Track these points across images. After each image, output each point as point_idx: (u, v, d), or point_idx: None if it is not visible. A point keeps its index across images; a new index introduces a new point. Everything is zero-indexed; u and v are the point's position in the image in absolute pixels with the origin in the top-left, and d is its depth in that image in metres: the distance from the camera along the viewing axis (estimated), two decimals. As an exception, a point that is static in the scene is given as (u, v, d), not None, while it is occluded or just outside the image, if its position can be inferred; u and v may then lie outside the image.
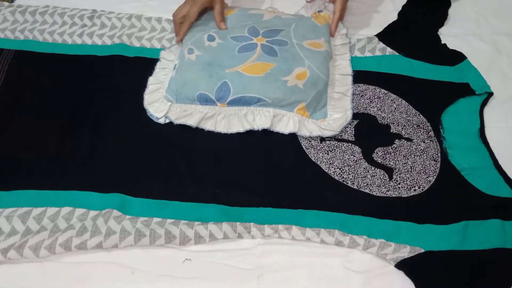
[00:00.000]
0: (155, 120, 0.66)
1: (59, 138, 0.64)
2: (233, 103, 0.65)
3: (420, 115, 0.69)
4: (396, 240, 0.56)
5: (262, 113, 0.65)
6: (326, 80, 0.68)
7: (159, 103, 0.67)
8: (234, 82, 0.65)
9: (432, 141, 0.66)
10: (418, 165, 0.63)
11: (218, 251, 0.56)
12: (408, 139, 0.66)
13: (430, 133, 0.67)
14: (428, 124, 0.67)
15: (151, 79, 0.70)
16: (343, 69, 0.73)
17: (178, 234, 0.55)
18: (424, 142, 0.65)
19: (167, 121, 0.66)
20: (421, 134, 0.66)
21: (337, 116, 0.67)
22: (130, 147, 0.64)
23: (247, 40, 0.70)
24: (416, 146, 0.65)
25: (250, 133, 0.65)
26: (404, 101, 0.70)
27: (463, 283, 0.53)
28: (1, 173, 0.60)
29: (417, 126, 0.67)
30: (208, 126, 0.65)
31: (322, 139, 0.65)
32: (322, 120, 0.66)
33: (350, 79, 0.72)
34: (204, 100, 0.65)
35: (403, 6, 0.84)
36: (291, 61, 0.67)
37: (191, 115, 0.65)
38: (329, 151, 0.64)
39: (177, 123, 0.65)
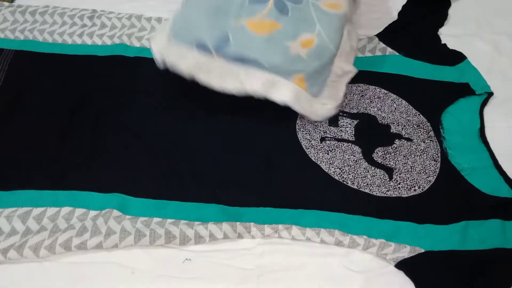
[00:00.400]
0: (156, 61, 0.62)
1: (59, 138, 0.64)
2: (229, 56, 0.60)
3: (420, 115, 0.69)
4: (396, 240, 0.56)
5: (257, 75, 0.60)
6: (334, 51, 0.62)
7: (160, 36, 0.63)
8: (235, 36, 0.60)
9: (432, 141, 0.66)
10: (418, 165, 0.63)
11: (218, 251, 0.56)
12: (408, 139, 0.66)
13: (430, 133, 0.67)
14: (428, 124, 0.68)
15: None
16: (355, 40, 0.66)
17: (178, 234, 0.55)
18: (424, 142, 0.65)
19: (164, 64, 0.62)
20: (421, 134, 0.66)
21: (325, 103, 0.63)
22: (130, 147, 0.64)
23: None
24: (416, 146, 0.65)
25: (250, 133, 0.65)
26: (404, 101, 0.70)
27: (463, 283, 0.53)
28: (1, 173, 0.60)
29: (417, 126, 0.67)
30: (201, 77, 0.61)
31: (322, 139, 0.65)
32: (315, 101, 0.62)
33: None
34: (202, 46, 0.61)
35: (403, 6, 0.84)
36: (301, 23, 0.61)
37: (185, 59, 0.61)
38: (329, 151, 0.64)
39: (171, 70, 0.62)
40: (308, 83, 0.61)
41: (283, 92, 0.60)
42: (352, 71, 0.66)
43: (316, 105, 0.62)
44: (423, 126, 0.67)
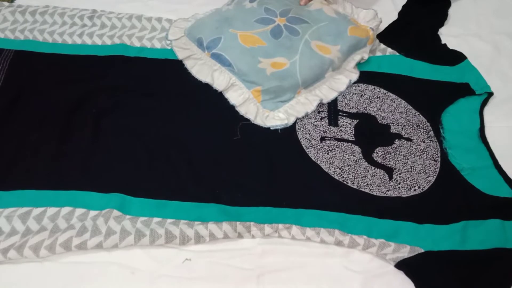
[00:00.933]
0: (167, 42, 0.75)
1: (59, 138, 0.64)
2: (214, 56, 0.71)
3: (420, 115, 0.69)
4: (396, 240, 0.56)
5: (226, 76, 0.69)
6: (298, 83, 0.68)
7: (177, 29, 0.77)
8: (225, 41, 0.70)
9: (432, 141, 0.66)
10: (418, 165, 0.63)
11: (218, 251, 0.56)
12: (408, 139, 0.66)
13: (430, 133, 0.67)
14: (428, 124, 0.68)
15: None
16: (334, 85, 0.71)
17: (178, 233, 0.55)
18: (424, 142, 0.65)
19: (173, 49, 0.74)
20: (421, 134, 0.66)
21: (278, 116, 0.67)
22: (130, 147, 0.64)
23: (271, 16, 0.73)
24: (416, 146, 0.65)
25: (251, 132, 0.65)
26: (404, 101, 0.70)
27: (463, 283, 0.53)
28: (1, 173, 0.60)
29: (417, 126, 0.67)
30: (187, 64, 0.72)
31: (322, 139, 0.65)
32: (267, 111, 0.68)
33: (329, 98, 0.70)
34: (200, 43, 0.73)
35: (403, 6, 0.84)
36: (283, 49, 0.69)
37: (183, 50, 0.74)
38: (329, 151, 0.64)
39: (175, 53, 0.74)
40: (263, 97, 0.68)
41: (235, 96, 0.69)
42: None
43: (265, 117, 0.67)
44: (423, 126, 0.67)
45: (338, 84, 0.71)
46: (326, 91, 0.70)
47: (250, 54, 0.68)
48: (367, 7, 0.84)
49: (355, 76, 0.72)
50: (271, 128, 0.66)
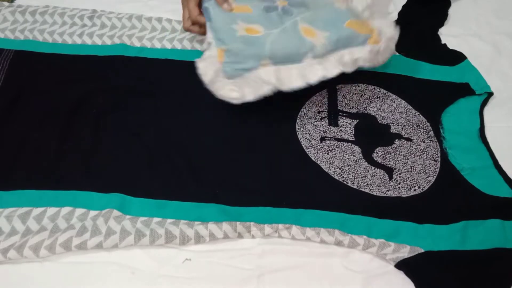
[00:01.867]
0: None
1: (59, 138, 0.64)
2: (204, 10, 0.68)
3: (420, 115, 0.69)
4: (396, 240, 0.56)
5: (209, 34, 0.66)
6: (264, 53, 0.60)
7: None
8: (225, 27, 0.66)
9: (432, 141, 0.66)
10: (418, 165, 0.63)
11: (218, 251, 0.56)
12: (408, 139, 0.66)
13: (430, 133, 0.67)
14: (428, 124, 0.68)
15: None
16: (305, 73, 0.61)
17: (178, 233, 0.55)
18: (424, 142, 0.65)
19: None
20: (421, 134, 0.66)
21: (232, 89, 0.61)
22: (130, 147, 0.64)
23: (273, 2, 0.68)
24: (416, 146, 0.65)
25: (250, 132, 0.65)
26: (404, 101, 0.70)
27: (463, 283, 0.53)
28: (1, 173, 0.60)
29: (417, 126, 0.67)
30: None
31: (322, 139, 0.65)
32: (221, 78, 0.62)
33: (291, 86, 0.61)
34: (205, 10, 0.69)
35: (403, 6, 0.84)
36: (266, 22, 0.65)
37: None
38: (329, 151, 0.64)
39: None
40: (225, 58, 0.62)
41: (205, 53, 0.64)
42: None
43: (222, 83, 0.61)
44: (423, 126, 0.67)
45: (309, 73, 0.60)
46: (293, 77, 0.60)
47: (231, 16, 0.65)
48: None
49: (335, 71, 0.61)
50: (222, 99, 0.61)
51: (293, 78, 0.60)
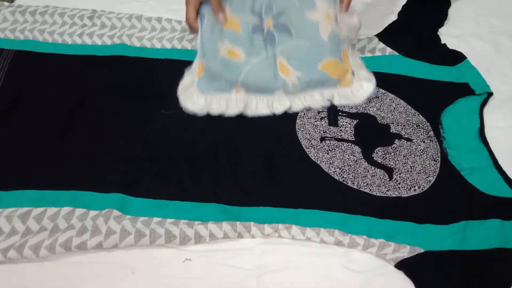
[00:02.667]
0: None
1: (59, 138, 0.64)
2: (199, 16, 0.71)
3: (420, 115, 0.69)
4: (396, 240, 0.56)
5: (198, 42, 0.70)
6: (238, 81, 0.65)
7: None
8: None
9: (432, 141, 0.66)
10: (418, 165, 0.63)
11: (218, 251, 0.56)
12: (408, 139, 0.66)
13: (430, 133, 0.67)
14: (428, 124, 0.68)
15: None
16: (262, 106, 0.67)
17: (178, 233, 0.55)
18: (424, 142, 0.65)
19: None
20: (421, 134, 0.66)
21: (195, 102, 0.66)
22: (130, 147, 0.64)
23: (266, 12, 0.71)
24: (416, 146, 0.65)
25: (250, 132, 0.65)
26: (403, 101, 0.70)
27: (463, 283, 0.53)
28: (1, 173, 0.60)
29: (416, 126, 0.67)
30: None
31: (322, 139, 0.65)
32: (195, 89, 0.66)
33: (251, 112, 0.66)
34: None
35: (403, 6, 0.84)
36: (250, 47, 0.68)
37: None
38: (329, 151, 0.64)
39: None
40: (204, 73, 0.67)
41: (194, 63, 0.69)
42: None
43: (192, 93, 0.66)
44: (423, 126, 0.67)
45: (277, 105, 0.67)
46: (261, 107, 0.66)
47: (219, 32, 0.68)
48: (367, 8, 0.84)
49: (301, 106, 0.67)
50: (183, 110, 0.65)
51: (260, 108, 0.67)
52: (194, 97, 0.66)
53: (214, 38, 0.68)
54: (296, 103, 0.67)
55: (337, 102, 0.68)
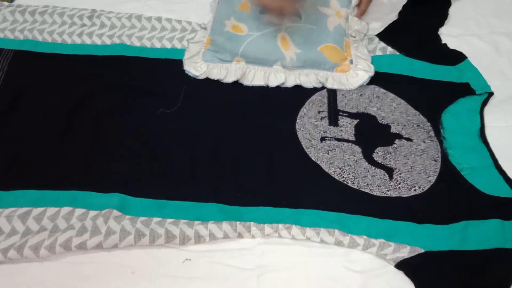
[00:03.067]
0: None
1: (59, 138, 0.64)
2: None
3: (420, 115, 0.69)
4: (396, 240, 0.56)
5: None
6: (238, 52, 0.70)
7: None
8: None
9: (432, 141, 0.66)
10: (419, 165, 0.63)
11: (218, 251, 0.56)
12: (409, 139, 0.66)
13: (430, 133, 0.67)
14: (428, 124, 0.67)
15: None
16: (258, 76, 0.71)
17: (178, 233, 0.55)
18: (424, 142, 0.65)
19: None
20: (421, 134, 0.66)
21: (200, 66, 0.71)
22: (130, 147, 0.63)
23: None
24: (416, 146, 0.65)
25: (250, 132, 0.65)
26: (403, 101, 0.70)
27: (463, 283, 0.53)
28: (1, 173, 0.60)
29: (417, 126, 0.67)
30: None
31: (322, 139, 0.65)
32: (199, 58, 0.72)
33: (248, 82, 0.71)
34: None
35: (403, 6, 0.84)
36: (254, 24, 0.73)
37: None
38: (329, 151, 0.64)
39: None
40: (209, 46, 0.72)
41: (196, 37, 0.75)
42: None
43: (196, 61, 0.72)
44: (423, 126, 0.67)
45: (273, 78, 0.70)
46: (257, 78, 0.70)
47: (230, 10, 0.74)
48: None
49: (293, 83, 0.69)
50: (186, 72, 0.71)
51: (256, 78, 0.70)
52: (198, 64, 0.71)
53: (223, 16, 0.74)
54: (291, 79, 0.70)
55: (329, 85, 0.70)
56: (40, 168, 0.61)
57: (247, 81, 0.70)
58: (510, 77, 0.75)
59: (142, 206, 0.58)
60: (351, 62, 0.72)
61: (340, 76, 0.71)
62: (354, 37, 0.75)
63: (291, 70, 0.70)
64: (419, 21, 0.80)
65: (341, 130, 0.66)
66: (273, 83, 0.69)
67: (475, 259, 0.55)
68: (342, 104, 0.69)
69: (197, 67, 0.71)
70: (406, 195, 0.60)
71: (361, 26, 0.77)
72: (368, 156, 0.64)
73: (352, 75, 0.71)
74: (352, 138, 0.66)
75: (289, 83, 0.70)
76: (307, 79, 0.70)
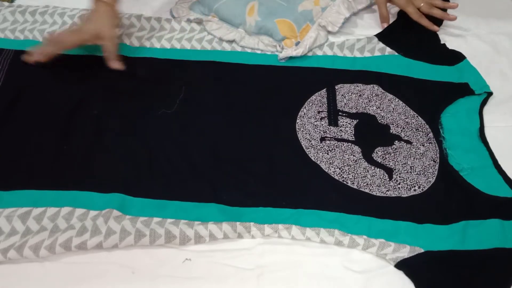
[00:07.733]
0: None
1: (59, 138, 0.64)
2: None
3: (419, 117, 0.68)
4: (395, 240, 0.56)
5: None
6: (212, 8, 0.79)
7: None
8: None
9: (432, 143, 0.66)
10: (418, 165, 0.63)
11: (218, 251, 0.56)
12: (408, 142, 0.66)
13: (430, 135, 0.67)
14: (427, 126, 0.67)
15: None
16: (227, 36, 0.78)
17: (178, 233, 0.55)
18: (423, 145, 0.65)
19: None
20: (421, 138, 0.66)
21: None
22: (130, 147, 0.64)
23: None
24: (415, 149, 0.65)
25: (250, 132, 0.65)
26: (402, 102, 0.70)
27: (463, 283, 0.53)
28: (1, 173, 0.60)
29: (416, 129, 0.67)
30: None
31: (322, 139, 0.65)
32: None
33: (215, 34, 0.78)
34: None
35: (403, 6, 0.83)
36: None
37: None
38: (329, 151, 0.64)
39: None
40: (258, 7, 0.78)
41: None
42: None
43: (181, 7, 0.82)
44: (422, 129, 0.67)
45: (232, 37, 0.78)
46: (221, 32, 0.78)
47: None
48: (367, 7, 0.84)
49: (248, 45, 0.77)
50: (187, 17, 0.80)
51: (220, 32, 0.78)
52: (184, 11, 0.81)
53: None
54: (247, 43, 0.77)
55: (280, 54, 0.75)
56: (40, 168, 0.61)
57: (213, 33, 0.78)
58: (510, 77, 0.75)
59: (142, 206, 0.58)
60: (297, 44, 0.76)
61: (282, 47, 0.76)
62: (323, 26, 0.78)
63: (250, 36, 0.78)
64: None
65: (340, 130, 0.66)
66: (227, 39, 0.78)
67: (475, 259, 0.55)
68: (341, 104, 0.70)
69: (180, 13, 0.81)
70: (405, 195, 0.60)
71: (335, 19, 0.79)
72: (367, 156, 0.64)
73: (288, 51, 0.75)
74: (352, 138, 0.66)
75: (251, 45, 0.77)
76: (263, 44, 0.77)
